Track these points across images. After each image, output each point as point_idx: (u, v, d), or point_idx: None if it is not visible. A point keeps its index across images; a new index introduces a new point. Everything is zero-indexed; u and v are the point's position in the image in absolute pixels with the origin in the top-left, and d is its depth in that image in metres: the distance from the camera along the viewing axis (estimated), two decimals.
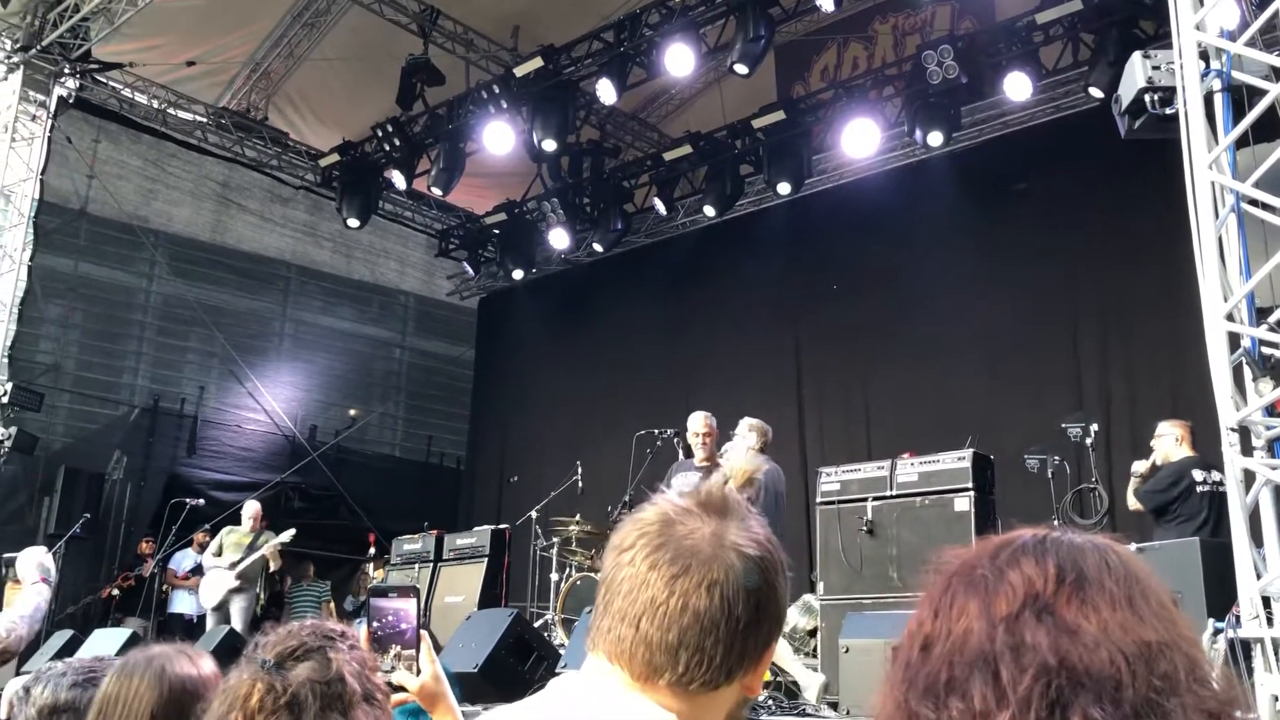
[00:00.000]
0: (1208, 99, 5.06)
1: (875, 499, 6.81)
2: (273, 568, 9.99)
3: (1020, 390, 10.30)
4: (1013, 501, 7.83)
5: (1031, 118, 11.06)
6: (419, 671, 1.93)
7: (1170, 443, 6.77)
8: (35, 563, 3.42)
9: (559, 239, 13.46)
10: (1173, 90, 5.21)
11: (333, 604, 12.12)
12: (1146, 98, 5.39)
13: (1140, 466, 6.90)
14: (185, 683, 1.98)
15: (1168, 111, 5.28)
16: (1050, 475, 7.86)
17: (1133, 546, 5.45)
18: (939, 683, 0.89)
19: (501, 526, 9.85)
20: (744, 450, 6.74)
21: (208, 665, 2.07)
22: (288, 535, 9.67)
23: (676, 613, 1.18)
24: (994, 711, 0.85)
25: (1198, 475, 6.48)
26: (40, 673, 2.38)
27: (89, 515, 11.09)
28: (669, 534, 1.22)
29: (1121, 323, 10.09)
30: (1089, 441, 7.64)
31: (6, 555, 8.81)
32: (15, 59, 11.40)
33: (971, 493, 6.45)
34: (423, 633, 1.95)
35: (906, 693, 0.91)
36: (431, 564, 9.70)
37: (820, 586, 6.96)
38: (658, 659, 1.18)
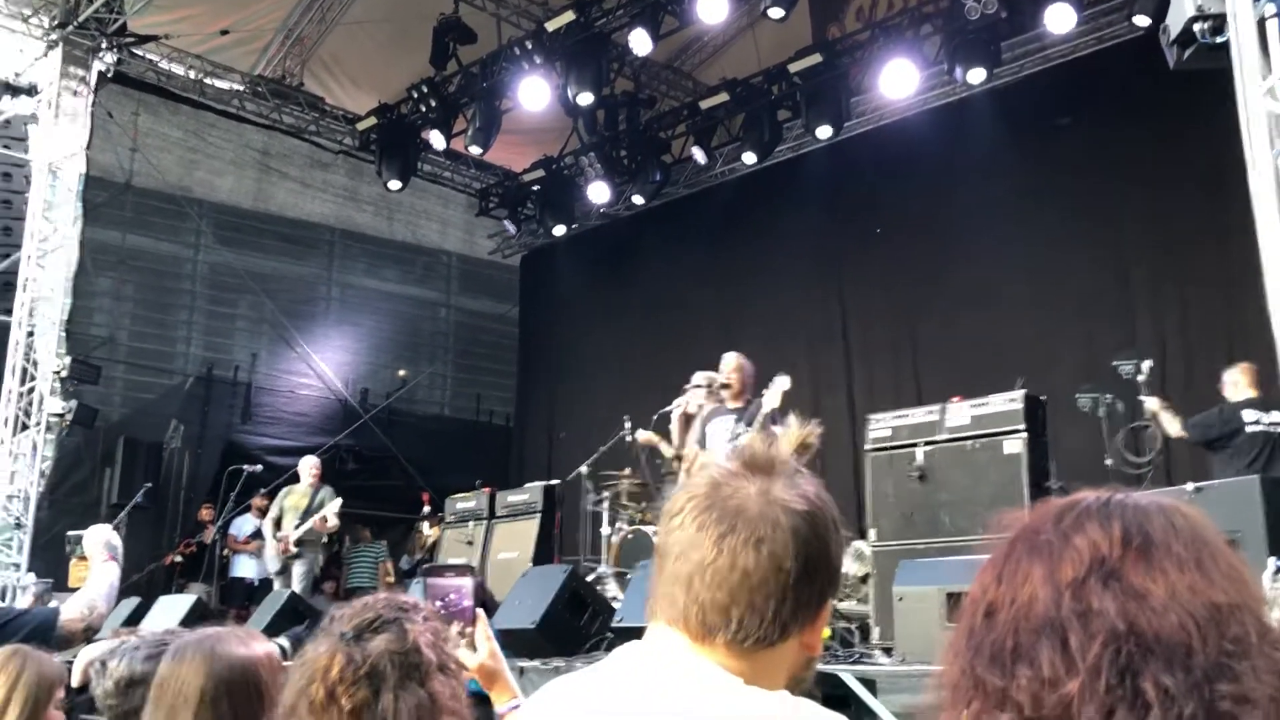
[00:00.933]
0: (1260, 25, 4.92)
1: (926, 444, 6.75)
2: (330, 526, 10.10)
3: (1070, 329, 10.14)
4: (1065, 442, 7.74)
5: (1074, 50, 10.76)
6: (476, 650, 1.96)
7: (1229, 388, 6.85)
8: (103, 541, 3.50)
9: (598, 193, 13.40)
10: (1223, 17, 5.06)
11: (390, 563, 12.32)
12: (1196, 26, 5.22)
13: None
14: (234, 664, 2.02)
15: (1218, 40, 5.13)
16: (1103, 415, 7.76)
17: (1190, 486, 5.40)
18: (1005, 650, 0.88)
19: (553, 482, 9.92)
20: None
21: (260, 646, 2.09)
22: (336, 505, 9.78)
23: (725, 571, 1.20)
24: (1063, 679, 0.83)
25: (1248, 416, 6.58)
26: (116, 647, 2.46)
27: (150, 484, 11.33)
28: (715, 496, 1.24)
29: (1173, 258, 9.87)
30: (1141, 379, 7.50)
31: (72, 533, 9.02)
32: (54, 36, 11.49)
33: (1024, 434, 6.35)
34: (479, 611, 1.98)
35: (972, 660, 0.90)
36: (485, 521, 9.82)
37: (872, 533, 6.94)
38: (711, 618, 1.20)
